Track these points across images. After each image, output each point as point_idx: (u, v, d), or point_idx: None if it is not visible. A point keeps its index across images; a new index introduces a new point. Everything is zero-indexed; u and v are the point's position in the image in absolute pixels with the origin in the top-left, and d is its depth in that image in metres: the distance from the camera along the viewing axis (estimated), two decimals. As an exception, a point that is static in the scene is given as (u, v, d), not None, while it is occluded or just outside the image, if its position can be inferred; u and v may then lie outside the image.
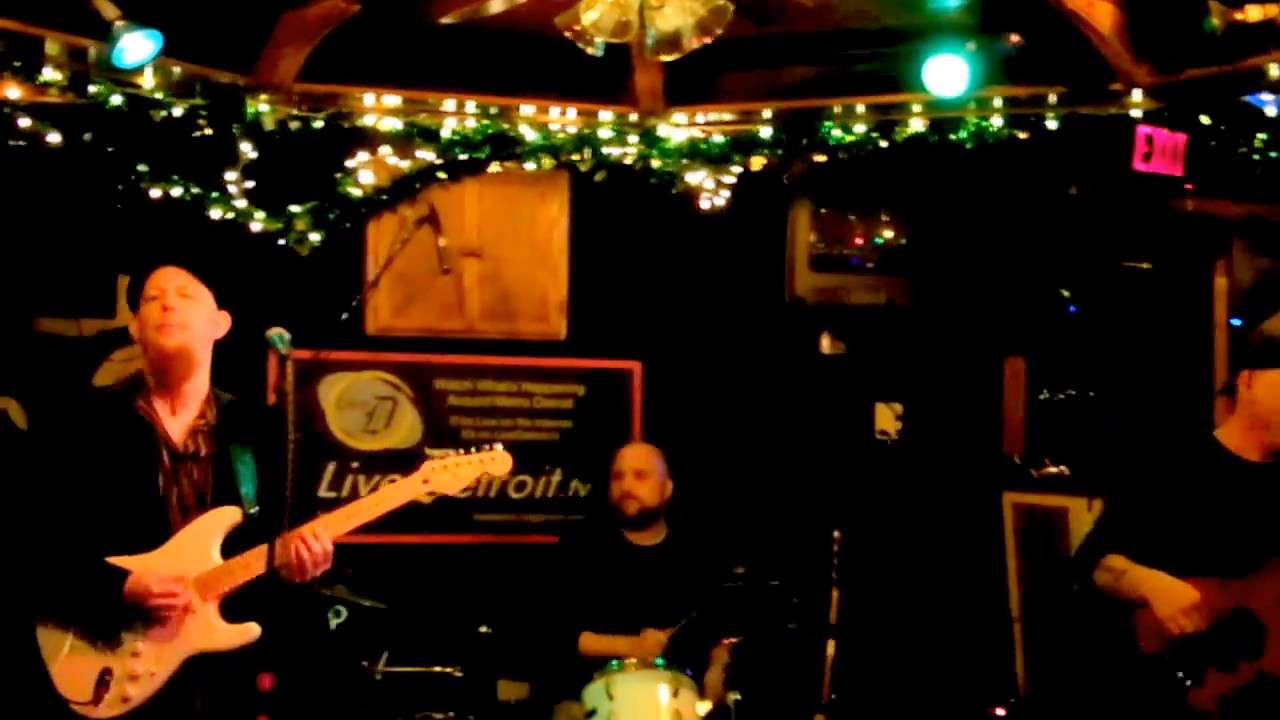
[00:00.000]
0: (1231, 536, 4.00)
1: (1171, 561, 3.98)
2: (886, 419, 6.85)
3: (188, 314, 3.87)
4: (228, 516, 3.83)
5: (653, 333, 6.61)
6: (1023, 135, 5.75)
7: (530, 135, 6.09)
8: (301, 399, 6.02)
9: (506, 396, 6.47)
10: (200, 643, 3.74)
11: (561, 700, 5.24)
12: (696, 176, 6.26)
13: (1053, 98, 5.69)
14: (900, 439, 6.84)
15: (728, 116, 6.15)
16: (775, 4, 4.96)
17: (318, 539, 3.80)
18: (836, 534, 5.23)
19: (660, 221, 6.47)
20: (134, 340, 3.96)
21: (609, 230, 6.54)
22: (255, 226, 5.94)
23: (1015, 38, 5.38)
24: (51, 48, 5.10)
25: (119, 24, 4.83)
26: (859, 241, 6.96)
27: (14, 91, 5.22)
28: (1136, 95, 5.53)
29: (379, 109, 5.94)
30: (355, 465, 6.23)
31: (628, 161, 6.20)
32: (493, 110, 6.06)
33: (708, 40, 4.07)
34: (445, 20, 4.52)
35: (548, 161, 6.17)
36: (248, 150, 5.81)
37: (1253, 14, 4.94)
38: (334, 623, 5.12)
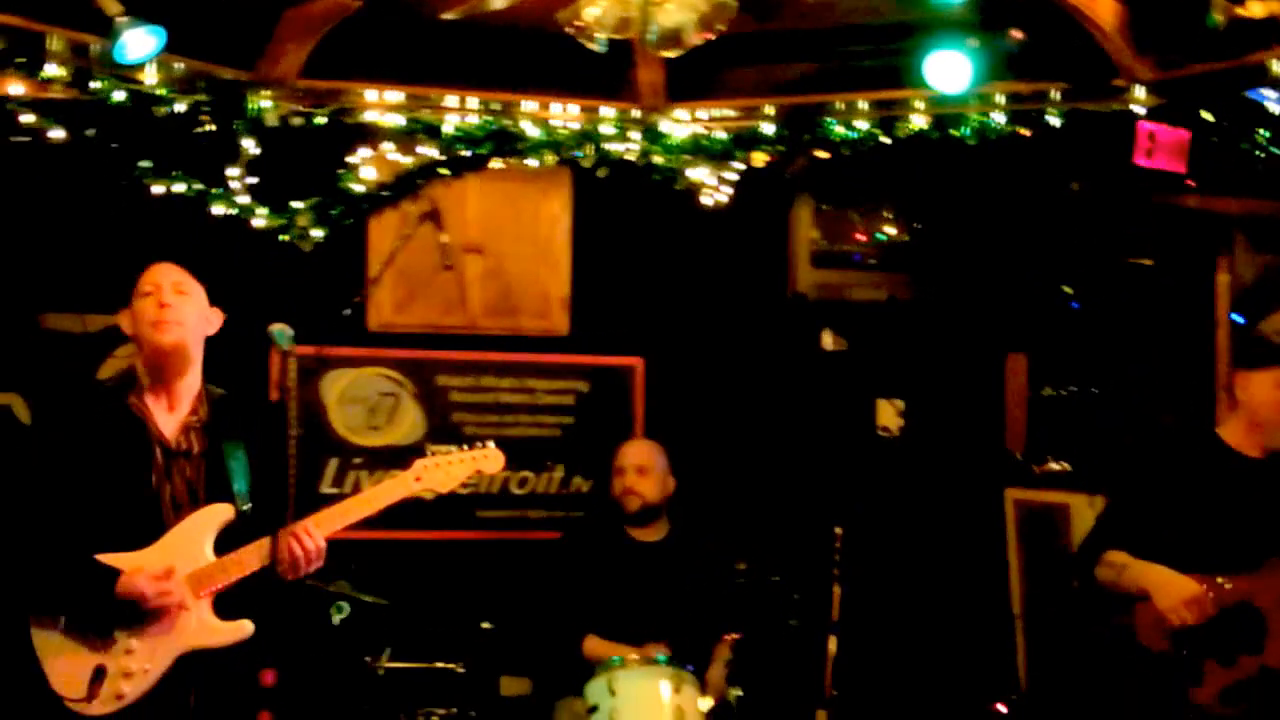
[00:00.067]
0: (1233, 533, 4.01)
1: (1174, 557, 3.99)
2: (888, 415, 6.85)
3: (184, 311, 3.88)
4: (220, 513, 3.83)
5: (655, 329, 6.61)
6: (1025, 131, 5.74)
7: (532, 131, 6.09)
8: (304, 395, 6.02)
9: (509, 393, 6.47)
10: (194, 640, 3.75)
11: (564, 696, 5.25)
12: (698, 173, 6.26)
13: (1055, 94, 5.68)
14: (902, 435, 6.84)
15: (730, 112, 6.14)
16: (777, 0, 4.97)
17: (310, 536, 3.80)
18: (838, 530, 5.23)
19: (662, 218, 6.47)
20: (127, 335, 3.96)
21: (611, 226, 6.54)
22: (258, 223, 5.94)
23: (1017, 33, 5.38)
24: (54, 44, 5.10)
25: (121, 20, 4.83)
26: (861, 238, 6.97)
27: (17, 87, 5.22)
28: (1139, 91, 5.52)
29: (381, 105, 5.94)
30: (358, 461, 6.23)
31: (630, 158, 6.20)
32: (495, 106, 6.06)
33: (710, 36, 4.07)
34: (447, 16, 4.52)
35: (550, 158, 6.17)
36: (250, 146, 5.81)
37: (1255, 9, 4.93)
38: (337, 618, 5.13)
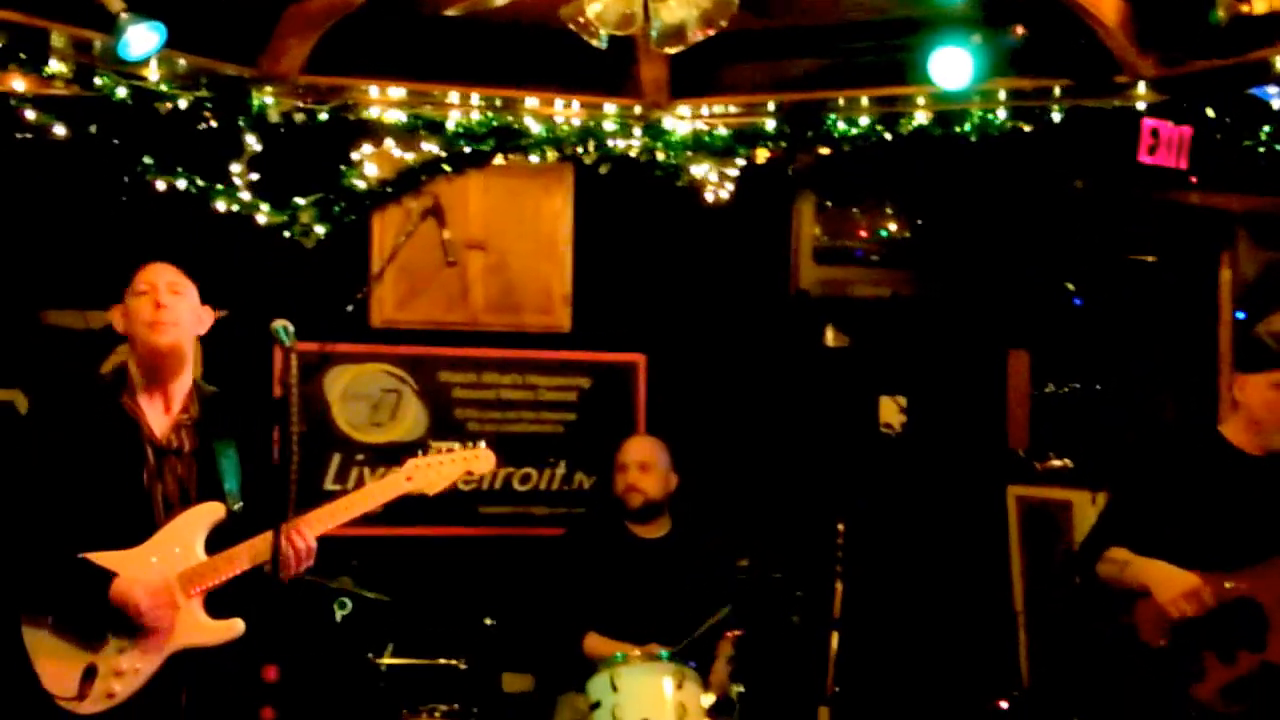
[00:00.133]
0: (1235, 530, 4.01)
1: (1176, 554, 3.99)
2: (891, 412, 6.85)
3: (179, 311, 3.89)
4: (212, 512, 3.84)
5: (657, 325, 6.60)
6: (1027, 128, 5.74)
7: (535, 127, 6.09)
8: (306, 391, 6.02)
9: (511, 389, 6.47)
10: (185, 639, 3.75)
11: (566, 692, 5.25)
12: (701, 169, 6.26)
13: (1057, 90, 5.68)
14: (904, 432, 6.84)
15: (732, 109, 6.14)
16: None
17: (301, 536, 3.80)
18: (840, 527, 5.23)
19: (665, 214, 6.47)
20: (118, 332, 3.96)
21: (613, 223, 6.53)
22: (260, 219, 5.94)
23: (1020, 30, 5.38)
24: (57, 40, 5.11)
25: (124, 16, 4.83)
26: (863, 234, 6.97)
27: (20, 84, 5.22)
28: (1141, 88, 5.52)
29: (384, 101, 5.95)
30: (360, 458, 6.23)
31: (632, 154, 6.20)
32: (497, 102, 6.07)
33: (712, 32, 4.06)
34: (450, 12, 4.51)
35: (552, 154, 6.18)
36: (252, 143, 5.81)
37: (1258, 6, 4.94)
38: (339, 615, 5.13)
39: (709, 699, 4.83)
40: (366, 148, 6.07)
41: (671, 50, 4.21)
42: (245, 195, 5.88)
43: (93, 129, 5.49)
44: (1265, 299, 6.07)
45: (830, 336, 6.82)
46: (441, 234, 5.90)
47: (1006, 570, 6.49)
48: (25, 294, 5.75)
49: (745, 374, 6.61)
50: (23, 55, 5.04)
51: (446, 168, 6.17)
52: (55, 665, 3.69)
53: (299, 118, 5.84)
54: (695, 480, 5.75)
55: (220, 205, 5.85)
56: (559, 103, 6.10)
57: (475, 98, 6.03)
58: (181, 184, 5.77)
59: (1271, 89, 5.28)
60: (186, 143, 5.69)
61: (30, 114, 5.35)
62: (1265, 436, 4.07)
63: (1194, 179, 5.77)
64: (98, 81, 5.29)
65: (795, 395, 6.66)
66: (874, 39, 5.82)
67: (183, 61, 5.47)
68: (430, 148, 6.09)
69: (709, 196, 6.34)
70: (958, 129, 5.81)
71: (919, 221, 6.98)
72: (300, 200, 6.02)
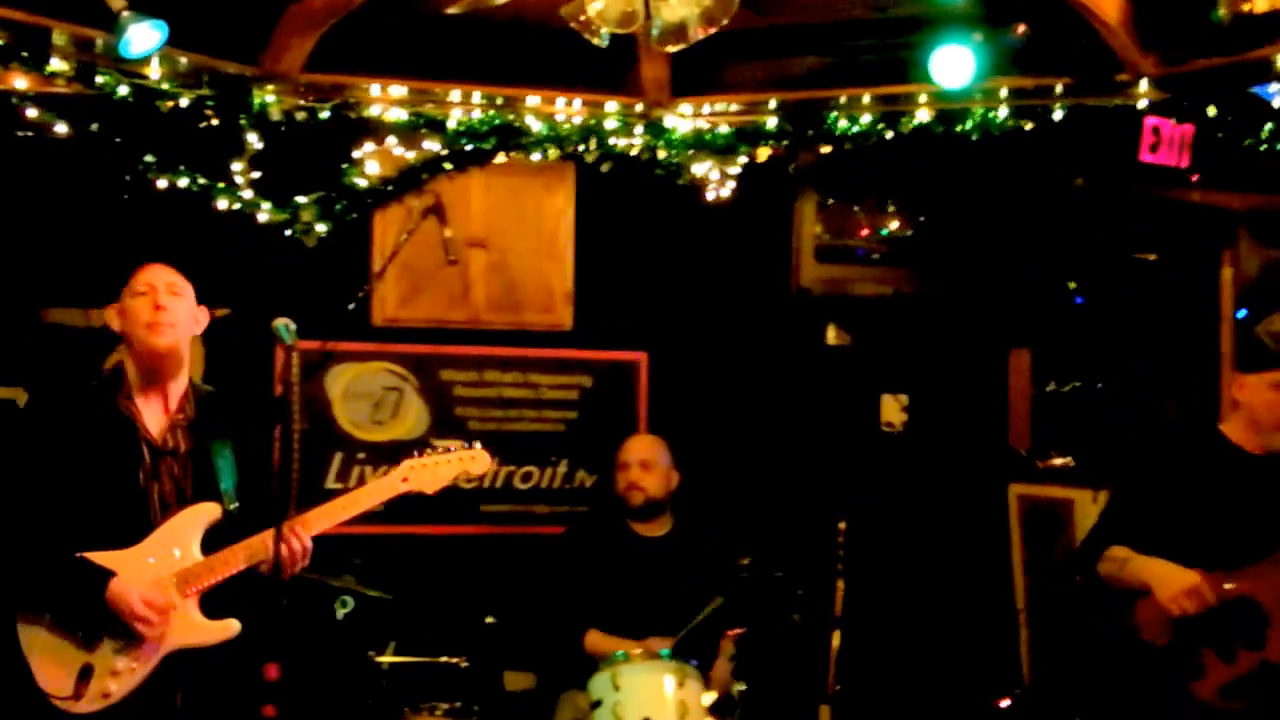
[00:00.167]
0: (1236, 529, 4.01)
1: (1176, 553, 3.99)
2: (892, 410, 6.85)
3: (178, 313, 3.90)
4: (208, 512, 3.84)
5: (659, 324, 6.60)
6: (1029, 126, 5.74)
7: (536, 126, 6.09)
8: (308, 390, 6.01)
9: (513, 387, 6.47)
10: (180, 639, 3.76)
11: (567, 691, 5.25)
12: (702, 167, 6.26)
13: (1059, 88, 5.68)
14: (906, 430, 6.84)
15: (734, 107, 6.14)
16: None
17: (298, 536, 3.81)
18: (842, 525, 5.22)
19: (666, 213, 6.47)
20: (114, 331, 3.96)
21: (615, 221, 6.53)
22: (261, 217, 5.95)
23: (1022, 28, 5.38)
24: (58, 38, 5.11)
25: (126, 14, 4.83)
26: (865, 233, 6.98)
27: (21, 82, 5.23)
28: (1143, 86, 5.52)
29: (385, 99, 5.94)
30: (362, 456, 6.23)
31: (633, 152, 6.20)
32: (499, 101, 6.07)
33: (713, 31, 4.06)
34: (451, 10, 4.51)
35: (554, 152, 6.18)
36: (254, 141, 5.81)
37: (1259, 4, 4.94)
38: (341, 613, 5.13)
39: (710, 697, 4.83)
40: (368, 146, 6.07)
41: (673, 48, 4.20)
42: (247, 193, 5.89)
43: (94, 127, 5.49)
44: (1266, 298, 6.07)
45: (832, 335, 6.83)
46: (443, 232, 5.89)
47: (1008, 568, 6.49)
48: (27, 292, 5.75)
49: (747, 372, 6.61)
50: (24, 53, 5.04)
51: (448, 166, 6.18)
52: (51, 664, 3.69)
53: (300, 116, 5.85)
54: (697, 478, 5.75)
55: (222, 203, 5.85)
56: (560, 101, 6.10)
57: (477, 96, 6.03)
58: (183, 182, 5.77)
59: (1273, 87, 5.28)
60: (188, 141, 5.69)
61: (32, 112, 5.35)
62: (1265, 436, 4.08)
63: (1195, 178, 5.77)
64: (99, 80, 5.29)
65: (796, 394, 6.66)
66: (875, 37, 5.82)
67: (184, 60, 5.47)
68: (432, 146, 6.09)
69: (710, 195, 6.34)
70: (959, 127, 5.81)
71: (920, 220, 6.98)
72: (302, 199, 6.02)
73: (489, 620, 5.52)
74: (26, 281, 5.74)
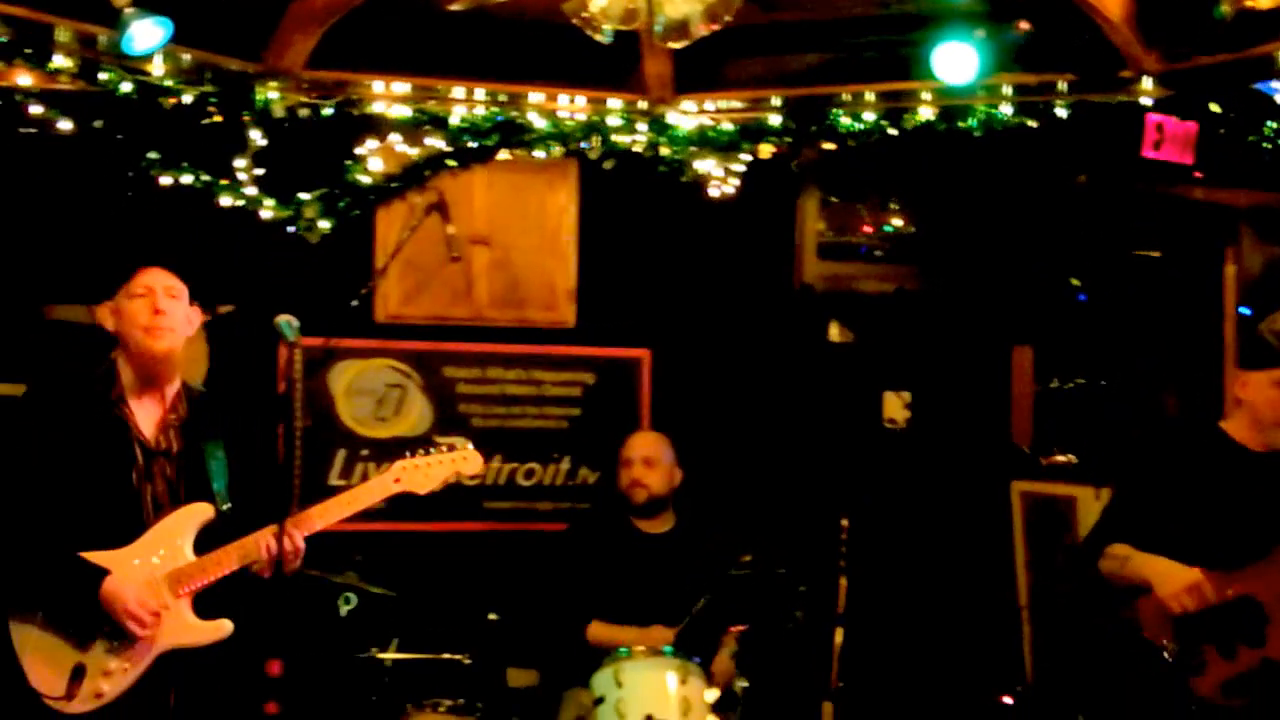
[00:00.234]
0: (1237, 526, 4.01)
1: (1178, 551, 3.99)
2: (895, 407, 6.85)
3: (176, 316, 3.90)
4: (200, 513, 3.85)
5: (662, 320, 6.60)
6: (1032, 123, 5.73)
7: (539, 123, 6.09)
8: (311, 387, 6.02)
9: (515, 384, 6.48)
10: (173, 639, 3.76)
11: (570, 688, 5.26)
12: (705, 164, 6.25)
13: (1062, 85, 5.67)
14: (908, 427, 6.84)
15: (737, 104, 6.14)
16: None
17: (290, 536, 3.80)
18: (845, 522, 5.22)
19: (669, 209, 6.47)
20: (108, 330, 3.96)
21: (618, 218, 6.53)
22: (265, 214, 5.95)
23: (1025, 25, 5.37)
24: (61, 35, 5.11)
25: (129, 11, 4.83)
26: (868, 229, 6.97)
27: (25, 79, 5.23)
28: (1146, 83, 5.51)
29: (388, 96, 5.94)
30: (365, 453, 6.24)
31: (637, 149, 6.19)
32: (502, 98, 6.06)
33: (716, 27, 4.06)
34: (454, 7, 4.52)
35: (557, 149, 6.17)
36: (257, 138, 5.81)
37: (1263, 1, 4.93)
38: (344, 610, 5.14)
39: (713, 694, 4.84)
40: (371, 143, 6.06)
41: (675, 45, 4.21)
42: (250, 190, 5.89)
43: (97, 124, 5.50)
44: (1269, 295, 6.07)
45: (835, 332, 6.82)
46: (446, 229, 5.89)
47: (1010, 566, 6.49)
48: (30, 289, 5.76)
49: (749, 369, 6.61)
50: (27, 50, 5.04)
51: (451, 163, 6.17)
52: (43, 664, 3.69)
53: (303, 113, 5.84)
54: (699, 475, 5.75)
55: (225, 200, 5.85)
56: (563, 98, 6.10)
57: (480, 93, 6.02)
58: (186, 179, 5.77)
59: (1276, 84, 5.28)
60: (191, 138, 5.69)
61: (35, 109, 5.36)
62: (1267, 434, 4.08)
63: (1199, 174, 5.77)
64: (102, 76, 5.29)
65: (799, 391, 6.66)
66: (878, 34, 5.82)
67: (187, 56, 5.47)
68: (435, 143, 6.08)
69: (713, 192, 6.33)
70: (962, 124, 5.80)
71: (923, 217, 6.97)
72: (305, 195, 6.02)
73: (492, 617, 5.52)
74: (30, 278, 5.75)
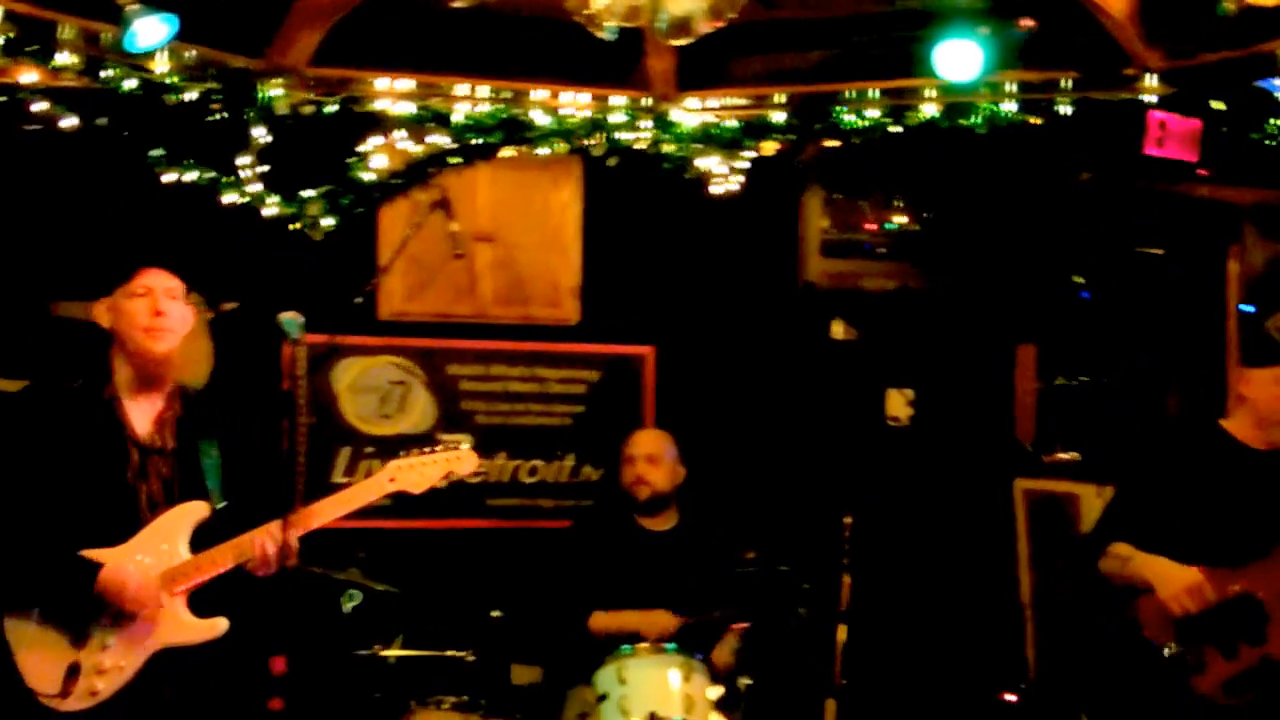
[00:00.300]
0: (1239, 525, 4.02)
1: (1179, 549, 3.99)
2: (898, 405, 6.84)
3: (176, 317, 3.90)
4: (195, 511, 3.85)
5: (665, 318, 6.61)
6: (1035, 120, 5.73)
7: (542, 120, 6.08)
8: (314, 384, 6.03)
9: (519, 381, 6.48)
10: (168, 637, 3.76)
11: (574, 685, 5.26)
12: (709, 161, 6.24)
13: (1065, 83, 5.67)
14: (912, 425, 6.83)
15: (740, 101, 6.13)
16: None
17: (284, 533, 3.81)
18: (848, 520, 5.22)
19: (673, 206, 6.47)
20: (105, 328, 3.95)
21: (621, 215, 6.54)
22: (268, 211, 5.95)
23: (1028, 22, 5.37)
24: (65, 32, 5.11)
25: (132, 8, 4.83)
26: (871, 227, 6.96)
27: (28, 75, 5.23)
28: (1149, 80, 5.51)
29: (392, 93, 5.94)
30: (369, 451, 6.24)
31: (640, 146, 6.18)
32: (505, 95, 6.05)
33: (719, 24, 4.06)
34: (457, 4, 4.53)
35: (560, 146, 6.16)
36: (261, 135, 5.81)
37: (1266, -1, 4.93)
38: (347, 607, 5.14)
39: (716, 691, 4.84)
40: (374, 140, 6.06)
41: (679, 42, 4.21)
42: (253, 187, 5.89)
43: (101, 121, 5.50)
44: (1272, 293, 6.06)
45: (838, 329, 6.82)
46: (449, 226, 5.89)
47: (1013, 563, 6.48)
48: (35, 285, 5.76)
49: (753, 367, 6.62)
50: (31, 47, 5.05)
51: (454, 160, 6.17)
52: (38, 662, 3.69)
53: (307, 110, 5.84)
54: (703, 473, 5.76)
55: (228, 197, 5.85)
56: (567, 95, 6.09)
57: (483, 90, 6.02)
58: (190, 176, 5.78)
59: (1279, 81, 5.27)
60: (195, 135, 5.69)
61: (39, 106, 5.36)
62: (1270, 431, 4.08)
63: (1202, 172, 5.76)
64: (106, 73, 5.29)
65: (803, 388, 6.66)
66: (882, 31, 5.81)
67: (191, 53, 5.47)
68: (438, 140, 6.08)
69: (717, 189, 6.33)
70: (965, 121, 5.79)
71: (927, 214, 6.97)
72: (308, 192, 6.02)
73: (495, 614, 5.53)
74: (34, 275, 5.75)
